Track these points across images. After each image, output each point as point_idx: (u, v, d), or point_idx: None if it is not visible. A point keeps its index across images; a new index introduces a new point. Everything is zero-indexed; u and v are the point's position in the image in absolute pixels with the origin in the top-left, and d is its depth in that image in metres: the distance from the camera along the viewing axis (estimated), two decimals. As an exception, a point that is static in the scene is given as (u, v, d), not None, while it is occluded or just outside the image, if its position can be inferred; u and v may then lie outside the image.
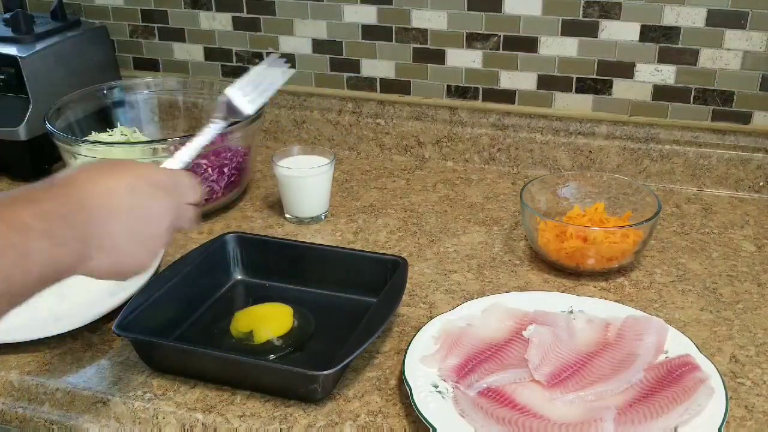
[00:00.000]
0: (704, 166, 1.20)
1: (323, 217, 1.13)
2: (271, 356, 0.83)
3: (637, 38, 1.19)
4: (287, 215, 1.13)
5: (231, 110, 0.80)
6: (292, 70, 0.85)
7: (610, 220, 1.01)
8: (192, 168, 0.99)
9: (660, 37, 1.18)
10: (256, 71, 0.83)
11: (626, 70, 1.22)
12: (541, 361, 0.78)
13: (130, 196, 0.62)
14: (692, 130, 1.21)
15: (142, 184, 0.63)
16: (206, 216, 1.13)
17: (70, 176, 0.62)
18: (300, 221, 1.12)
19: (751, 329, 0.88)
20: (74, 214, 0.58)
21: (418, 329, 0.84)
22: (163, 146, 1.04)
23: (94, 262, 0.60)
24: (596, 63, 1.23)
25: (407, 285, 0.90)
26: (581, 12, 1.20)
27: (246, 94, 0.81)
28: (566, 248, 0.95)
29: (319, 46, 1.35)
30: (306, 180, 1.09)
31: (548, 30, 1.22)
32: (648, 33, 1.18)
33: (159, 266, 0.95)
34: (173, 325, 0.87)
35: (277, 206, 1.16)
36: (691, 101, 1.21)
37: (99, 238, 0.60)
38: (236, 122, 1.01)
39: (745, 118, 1.20)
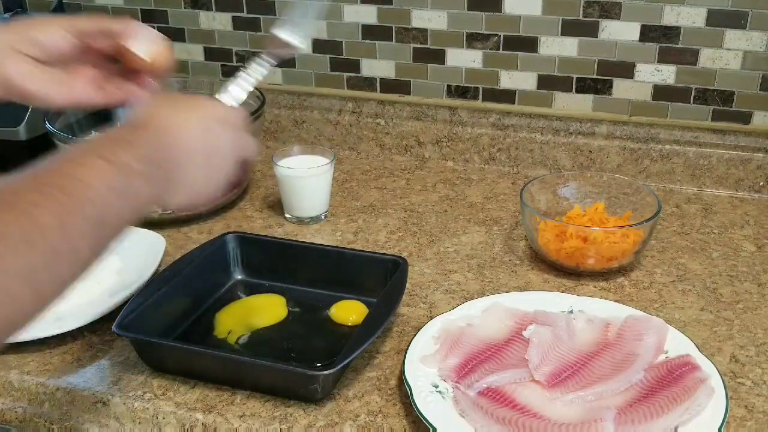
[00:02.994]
0: (704, 166, 1.20)
1: (323, 217, 1.13)
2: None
3: (638, 38, 1.19)
4: (287, 215, 1.13)
5: (281, 46, 0.79)
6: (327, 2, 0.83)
7: (610, 220, 1.01)
8: None
9: (660, 37, 1.18)
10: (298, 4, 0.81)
11: (626, 70, 1.22)
12: (541, 361, 0.78)
13: (204, 136, 0.66)
14: (692, 130, 1.21)
15: (212, 123, 0.67)
16: (206, 216, 1.13)
17: (149, 116, 0.64)
18: (300, 221, 1.12)
19: (751, 329, 0.88)
20: (162, 159, 0.61)
21: (418, 329, 0.84)
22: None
23: (172, 198, 0.64)
24: (596, 63, 1.23)
25: (407, 285, 0.90)
26: (581, 12, 1.20)
27: (294, 28, 0.80)
28: (566, 248, 0.95)
29: (319, 46, 1.35)
30: (306, 180, 1.09)
31: (548, 30, 1.22)
32: (648, 33, 1.18)
33: (159, 266, 0.95)
34: (173, 325, 0.88)
35: (277, 206, 1.16)
36: (691, 101, 1.21)
37: (179, 177, 0.63)
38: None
39: (745, 118, 1.20)
